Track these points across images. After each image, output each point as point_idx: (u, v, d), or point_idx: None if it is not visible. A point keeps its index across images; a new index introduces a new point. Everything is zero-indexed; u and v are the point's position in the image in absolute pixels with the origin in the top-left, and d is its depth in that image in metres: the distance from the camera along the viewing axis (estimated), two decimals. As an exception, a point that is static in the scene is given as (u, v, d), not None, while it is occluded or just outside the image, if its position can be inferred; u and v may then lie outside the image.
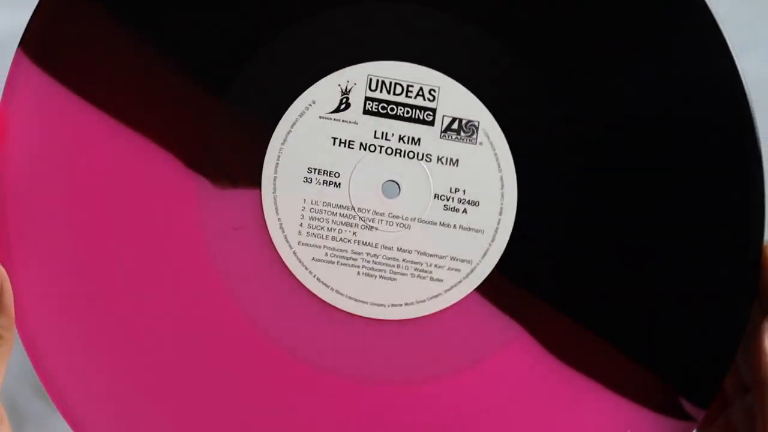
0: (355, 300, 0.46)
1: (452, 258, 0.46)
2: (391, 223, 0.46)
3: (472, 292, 0.46)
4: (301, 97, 0.45)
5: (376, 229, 0.46)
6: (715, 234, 0.45)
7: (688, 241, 0.45)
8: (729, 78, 0.45)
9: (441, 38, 0.45)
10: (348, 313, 0.46)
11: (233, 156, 0.46)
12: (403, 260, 0.46)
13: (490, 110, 0.45)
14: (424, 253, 0.46)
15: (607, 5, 0.45)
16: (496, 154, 0.45)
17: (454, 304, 0.46)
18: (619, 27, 0.45)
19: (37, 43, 0.45)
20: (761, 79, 0.67)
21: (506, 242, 0.46)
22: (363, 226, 0.46)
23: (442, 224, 0.46)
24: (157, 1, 0.45)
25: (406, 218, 0.46)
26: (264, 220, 0.46)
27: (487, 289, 0.46)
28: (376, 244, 0.46)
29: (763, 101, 0.63)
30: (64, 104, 0.45)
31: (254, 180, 0.46)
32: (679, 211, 0.45)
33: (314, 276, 0.46)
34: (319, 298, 0.46)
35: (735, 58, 0.45)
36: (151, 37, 0.45)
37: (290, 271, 0.46)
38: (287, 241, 0.46)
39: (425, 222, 0.46)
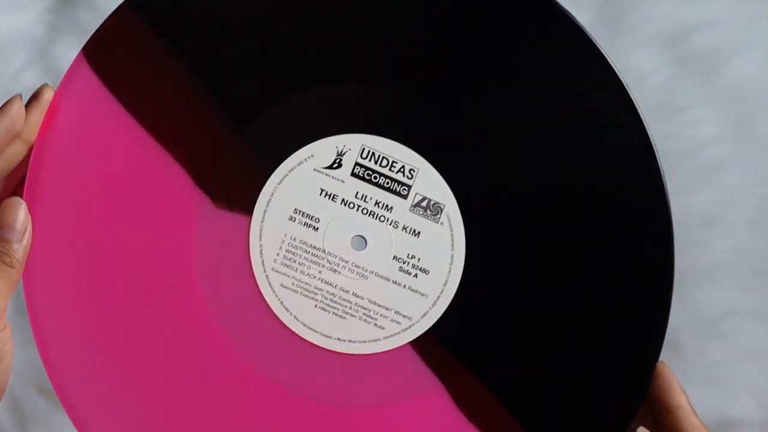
0: (308, 327, 0.54)
1: (396, 312, 0.54)
2: (352, 271, 0.54)
3: (406, 344, 0.54)
4: (302, 149, 0.54)
5: (339, 273, 0.54)
6: (618, 348, 0.54)
7: (595, 350, 0.54)
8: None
9: (431, 128, 0.54)
10: (299, 336, 0.54)
11: (235, 184, 0.54)
12: (356, 304, 0.54)
13: (456, 199, 0.54)
14: (374, 303, 0.54)
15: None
16: (452, 236, 0.54)
17: (389, 351, 0.54)
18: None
19: (95, 50, 0.53)
20: (759, 79, 0.72)
21: (444, 309, 0.54)
22: (329, 268, 0.54)
23: (395, 282, 0.54)
24: (205, 38, 0.53)
25: (366, 270, 0.54)
26: (248, 243, 0.54)
27: (419, 344, 0.54)
28: (335, 285, 0.54)
29: (760, 102, 0.72)
30: (105, 107, 0.53)
31: (248, 208, 0.54)
32: (594, 326, 0.54)
33: (279, 300, 0.54)
34: (279, 319, 0.54)
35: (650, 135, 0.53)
36: (192, 69, 0.53)
37: (260, 291, 0.54)
38: (263, 266, 0.54)
39: (381, 277, 0.54)
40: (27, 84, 0.74)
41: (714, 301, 0.73)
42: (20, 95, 0.52)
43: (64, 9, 0.75)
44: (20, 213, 0.52)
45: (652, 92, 0.73)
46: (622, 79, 0.53)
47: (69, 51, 0.74)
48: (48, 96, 0.53)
